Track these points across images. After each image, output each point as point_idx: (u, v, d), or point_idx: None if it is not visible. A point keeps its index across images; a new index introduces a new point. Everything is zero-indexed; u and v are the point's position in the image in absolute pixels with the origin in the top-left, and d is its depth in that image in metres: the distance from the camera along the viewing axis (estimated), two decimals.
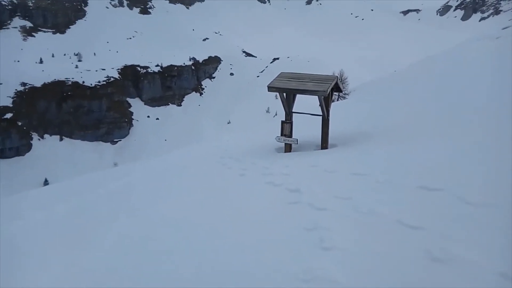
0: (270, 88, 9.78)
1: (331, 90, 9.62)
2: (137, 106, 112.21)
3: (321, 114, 9.74)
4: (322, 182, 5.48)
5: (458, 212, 3.35)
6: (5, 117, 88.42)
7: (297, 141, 9.65)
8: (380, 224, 3.45)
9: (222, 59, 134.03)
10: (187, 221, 4.77)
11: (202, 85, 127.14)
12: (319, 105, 9.56)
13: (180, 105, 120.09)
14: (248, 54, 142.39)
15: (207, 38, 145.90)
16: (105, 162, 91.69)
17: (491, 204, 3.33)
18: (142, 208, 5.95)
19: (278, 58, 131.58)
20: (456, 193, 3.71)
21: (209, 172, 8.72)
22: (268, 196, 5.30)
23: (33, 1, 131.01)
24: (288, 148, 9.90)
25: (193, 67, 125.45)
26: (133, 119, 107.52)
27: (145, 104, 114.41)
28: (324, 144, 9.63)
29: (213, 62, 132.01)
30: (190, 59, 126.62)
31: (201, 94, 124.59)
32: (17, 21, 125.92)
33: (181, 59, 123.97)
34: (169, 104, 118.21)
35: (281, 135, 9.89)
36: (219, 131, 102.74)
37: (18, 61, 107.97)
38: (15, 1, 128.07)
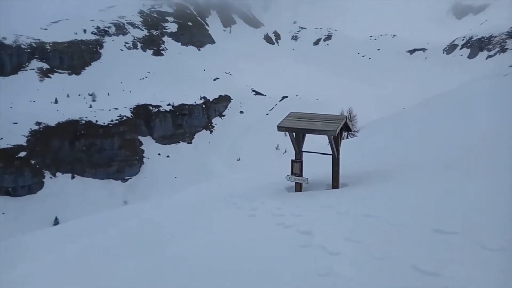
0: (280, 128, 9.89)
1: (340, 130, 9.69)
2: (148, 144, 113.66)
3: (331, 153, 9.75)
4: (334, 224, 5.42)
5: (475, 257, 3.27)
6: (19, 155, 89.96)
7: (307, 180, 9.62)
8: (396, 270, 3.36)
9: (232, 98, 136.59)
10: (196, 263, 4.71)
11: (212, 123, 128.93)
12: (329, 143, 9.61)
13: (191, 143, 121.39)
14: (257, 93, 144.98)
15: (218, 78, 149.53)
16: (116, 199, 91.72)
17: (508, 249, 3.24)
18: (151, 249, 5.91)
19: (287, 97, 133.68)
20: (472, 237, 3.63)
21: (218, 211, 8.68)
22: (278, 238, 5.23)
23: (51, 44, 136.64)
24: (298, 187, 9.86)
25: (203, 106, 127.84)
26: (144, 156, 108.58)
27: (156, 142, 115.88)
28: (335, 183, 9.57)
29: (223, 100, 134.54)
30: (201, 98, 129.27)
31: (211, 131, 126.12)
32: (35, 63, 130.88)
33: (192, 98, 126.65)
34: (179, 142, 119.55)
35: (291, 174, 9.88)
36: (229, 168, 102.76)
37: (34, 101, 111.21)
38: (34, 44, 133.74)
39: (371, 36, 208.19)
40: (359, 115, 36.41)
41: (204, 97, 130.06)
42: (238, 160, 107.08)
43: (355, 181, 9.52)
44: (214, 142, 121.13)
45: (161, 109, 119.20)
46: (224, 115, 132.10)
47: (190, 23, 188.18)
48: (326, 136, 9.35)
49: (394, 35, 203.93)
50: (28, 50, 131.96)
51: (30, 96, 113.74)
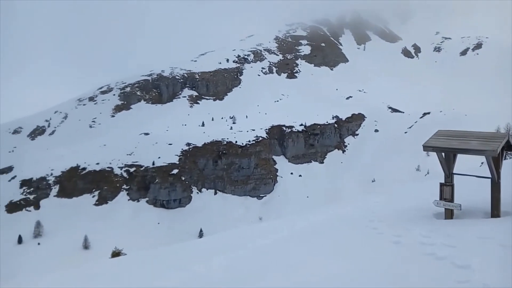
0: (426, 148, 9.00)
1: (501, 149, 8.34)
2: (281, 163, 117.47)
3: (489, 176, 8.44)
4: (497, 259, 4.59)
5: None
6: (172, 172, 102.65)
7: (460, 206, 8.46)
8: None
9: (366, 116, 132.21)
10: None
11: (344, 142, 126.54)
12: (487, 165, 8.33)
13: (323, 162, 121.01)
14: (394, 110, 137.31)
15: (351, 97, 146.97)
16: (251, 215, 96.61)
17: None
18: (288, 268, 5.87)
19: (428, 113, 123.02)
20: None
21: (357, 236, 8.24)
22: (430, 271, 4.64)
23: (199, 73, 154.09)
24: (449, 215, 8.74)
25: (335, 125, 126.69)
26: (277, 175, 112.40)
27: (289, 161, 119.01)
28: (496, 211, 8.22)
29: (357, 119, 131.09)
30: (333, 117, 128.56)
31: (343, 151, 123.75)
32: (186, 91, 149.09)
33: (324, 118, 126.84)
34: (311, 161, 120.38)
35: (440, 199, 8.84)
36: (362, 189, 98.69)
37: (185, 124, 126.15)
38: (186, 75, 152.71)
39: None
40: None
41: (337, 116, 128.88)
42: (372, 181, 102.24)
43: None
44: (347, 162, 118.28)
45: (293, 129, 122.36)
46: (357, 134, 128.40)
47: (323, 44, 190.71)
48: (478, 157, 8.16)
49: None
50: (181, 80, 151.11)
51: (182, 120, 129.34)
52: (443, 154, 8.81)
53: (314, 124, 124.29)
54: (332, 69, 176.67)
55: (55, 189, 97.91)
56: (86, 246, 76.77)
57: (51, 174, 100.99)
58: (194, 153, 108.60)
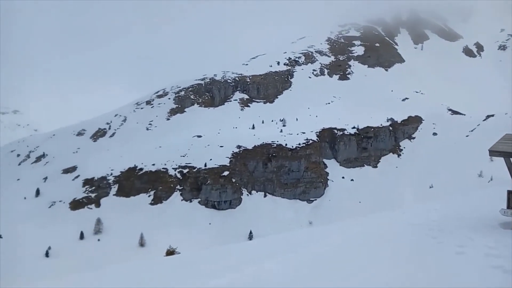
0: (493, 153, 8.39)
1: None
2: (332, 167, 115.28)
3: None
4: None
5: None
6: (223, 174, 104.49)
7: None
8: None
9: (423, 119, 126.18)
10: None
11: (400, 146, 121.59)
12: None
13: (376, 167, 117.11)
14: (454, 112, 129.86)
15: (407, 98, 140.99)
16: (301, 219, 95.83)
17: None
18: (340, 276, 5.70)
19: (492, 115, 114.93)
20: None
21: (416, 245, 7.83)
22: (497, 286, 4.29)
23: (250, 77, 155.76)
24: None
25: (390, 128, 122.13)
26: (328, 179, 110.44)
27: (340, 165, 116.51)
28: None
29: (413, 122, 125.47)
30: (387, 119, 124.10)
31: (399, 155, 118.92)
32: (237, 95, 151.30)
33: (378, 120, 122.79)
34: (364, 166, 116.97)
35: (508, 207, 8.19)
36: (419, 195, 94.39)
37: (236, 127, 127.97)
38: (237, 78, 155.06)
39: None
40: None
41: (391, 119, 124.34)
42: (430, 187, 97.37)
43: None
44: (402, 166, 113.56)
45: (345, 132, 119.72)
46: (414, 138, 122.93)
47: (377, 44, 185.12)
48: None
49: None
50: (233, 83, 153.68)
51: (233, 123, 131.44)
52: (511, 159, 8.16)
53: (367, 126, 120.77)
54: (387, 70, 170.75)
55: (114, 188, 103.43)
56: (142, 243, 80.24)
57: (111, 174, 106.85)
58: (244, 155, 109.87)
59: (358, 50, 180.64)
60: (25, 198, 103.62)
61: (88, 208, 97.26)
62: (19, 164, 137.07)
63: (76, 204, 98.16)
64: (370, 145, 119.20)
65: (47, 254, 75.49)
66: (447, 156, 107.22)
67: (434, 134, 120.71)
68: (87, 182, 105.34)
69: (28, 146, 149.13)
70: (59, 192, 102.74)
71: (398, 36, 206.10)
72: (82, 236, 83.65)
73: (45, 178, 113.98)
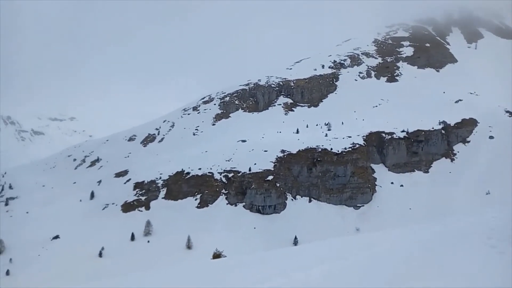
0: None
1: None
2: (380, 172, 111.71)
3: None
4: None
5: None
6: (268, 178, 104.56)
7: None
8: None
9: (478, 121, 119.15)
10: None
11: (453, 150, 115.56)
12: None
13: (427, 172, 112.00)
14: None
15: (460, 100, 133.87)
16: (348, 226, 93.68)
17: None
18: (391, 285, 5.41)
19: None
20: None
21: (474, 255, 7.33)
22: None
23: (294, 81, 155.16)
24: None
25: (443, 131, 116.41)
26: (376, 184, 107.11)
27: (389, 170, 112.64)
28: None
29: (468, 124, 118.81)
30: (439, 123, 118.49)
31: (452, 160, 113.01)
32: (281, 99, 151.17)
33: (429, 124, 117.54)
34: (414, 171, 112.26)
35: None
36: (475, 202, 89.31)
37: (280, 132, 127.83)
38: (281, 83, 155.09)
39: None
40: None
41: (444, 122, 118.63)
42: (487, 194, 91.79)
43: None
44: (456, 171, 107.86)
45: (394, 136, 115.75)
46: (468, 141, 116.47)
47: (427, 44, 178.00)
48: None
49: None
50: (277, 88, 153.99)
51: (277, 127, 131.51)
52: None
53: (418, 130, 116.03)
54: (438, 71, 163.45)
55: (163, 192, 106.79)
56: (189, 246, 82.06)
57: (160, 178, 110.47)
58: (288, 160, 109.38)
59: (407, 51, 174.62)
60: (80, 200, 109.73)
61: (139, 210, 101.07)
62: (75, 168, 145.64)
63: (127, 207, 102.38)
64: (421, 149, 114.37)
65: (100, 254, 79.24)
66: (505, 160, 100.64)
67: (491, 137, 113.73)
68: (138, 185, 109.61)
69: (83, 151, 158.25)
70: (112, 195, 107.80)
71: (450, 35, 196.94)
72: (133, 238, 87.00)
73: (99, 182, 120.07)
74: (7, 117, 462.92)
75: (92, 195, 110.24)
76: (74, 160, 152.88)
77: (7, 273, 73.99)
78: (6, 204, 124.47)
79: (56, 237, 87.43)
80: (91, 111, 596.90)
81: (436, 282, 5.60)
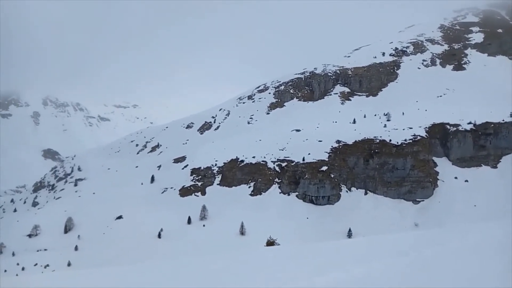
0: None
1: None
2: (443, 166, 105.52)
3: None
4: None
5: None
6: (322, 169, 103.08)
7: None
8: None
9: None
10: None
11: None
12: None
13: (496, 167, 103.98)
14: None
15: None
16: (406, 221, 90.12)
17: None
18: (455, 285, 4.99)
19: None
20: None
21: None
22: None
23: (352, 69, 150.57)
24: None
25: None
26: (438, 179, 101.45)
27: (453, 164, 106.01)
28: None
29: None
30: (511, 114, 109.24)
31: None
32: (338, 88, 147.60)
33: (500, 115, 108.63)
34: (481, 166, 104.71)
35: None
36: None
37: (336, 121, 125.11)
38: (338, 71, 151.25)
39: None
40: None
41: None
42: None
43: None
44: None
45: (460, 128, 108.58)
46: None
47: (500, 30, 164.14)
48: None
49: None
50: (333, 77, 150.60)
51: (333, 117, 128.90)
52: None
53: (486, 122, 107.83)
54: (511, 59, 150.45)
55: (218, 178, 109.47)
56: (242, 232, 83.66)
57: (215, 165, 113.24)
58: (344, 150, 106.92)
59: (477, 37, 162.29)
60: (142, 183, 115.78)
61: (195, 195, 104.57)
62: (138, 153, 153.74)
63: (184, 191, 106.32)
64: (489, 143, 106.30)
65: (159, 235, 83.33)
66: None
67: None
68: (194, 171, 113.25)
69: (145, 137, 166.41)
70: (171, 179, 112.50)
71: None
72: (189, 221, 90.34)
73: (159, 166, 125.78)
74: (76, 104, 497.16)
75: (152, 179, 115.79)
76: (137, 145, 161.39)
77: (76, 248, 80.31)
78: (75, 185, 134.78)
79: (120, 217, 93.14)
80: (153, 99, 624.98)
81: (502, 283, 5.09)
